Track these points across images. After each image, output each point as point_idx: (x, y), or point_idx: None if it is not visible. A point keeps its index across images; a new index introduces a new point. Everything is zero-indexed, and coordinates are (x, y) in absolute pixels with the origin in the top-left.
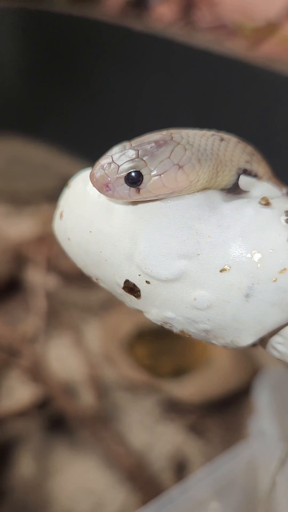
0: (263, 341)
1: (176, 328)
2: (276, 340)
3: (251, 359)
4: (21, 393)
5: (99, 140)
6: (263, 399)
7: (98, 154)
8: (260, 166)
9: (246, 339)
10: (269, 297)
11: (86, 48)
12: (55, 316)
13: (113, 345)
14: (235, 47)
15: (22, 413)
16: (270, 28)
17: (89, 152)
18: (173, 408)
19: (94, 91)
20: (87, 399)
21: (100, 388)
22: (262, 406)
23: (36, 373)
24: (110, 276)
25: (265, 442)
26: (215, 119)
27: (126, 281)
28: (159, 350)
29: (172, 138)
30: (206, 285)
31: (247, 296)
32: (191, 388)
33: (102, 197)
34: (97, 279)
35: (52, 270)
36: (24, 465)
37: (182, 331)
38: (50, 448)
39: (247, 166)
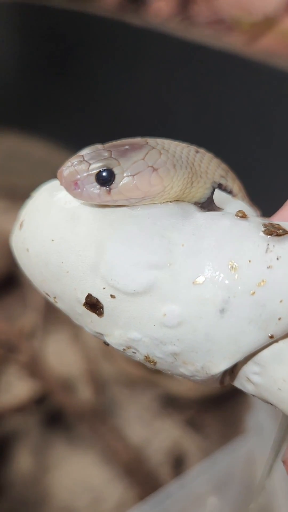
0: (233, 374)
1: (141, 353)
2: (251, 370)
3: None
4: (19, 388)
5: (97, 136)
6: None
7: None
8: (235, 183)
9: (219, 363)
10: (246, 312)
11: (84, 43)
12: (53, 312)
13: None
14: (233, 42)
15: (20, 409)
16: (268, 23)
17: None
18: (171, 403)
19: (92, 87)
20: (85, 394)
21: (98, 383)
22: (260, 401)
23: (34, 368)
24: (70, 291)
25: (262, 437)
26: (213, 114)
27: (89, 296)
28: None
29: (146, 142)
30: (178, 298)
31: (222, 311)
32: (189, 383)
33: (68, 205)
34: (55, 297)
35: None
36: (23, 460)
37: (146, 357)
38: (48, 443)
39: (222, 181)
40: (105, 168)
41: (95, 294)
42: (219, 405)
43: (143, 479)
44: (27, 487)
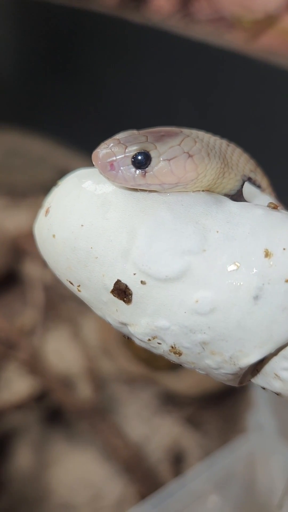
0: (256, 372)
1: (167, 343)
2: (280, 366)
3: None
4: (19, 385)
5: (96, 133)
6: (261, 392)
7: (95, 146)
8: (263, 179)
9: (250, 353)
10: (280, 299)
11: (84, 40)
12: (53, 309)
13: (111, 338)
14: (234, 40)
15: (20, 406)
16: (269, 21)
17: (86, 145)
18: (170, 401)
19: (92, 84)
20: (84, 391)
21: (98, 381)
22: (260, 399)
23: (34, 365)
24: (98, 278)
25: (263, 436)
26: (213, 112)
27: (117, 282)
28: None
29: (181, 131)
30: (211, 285)
31: (256, 298)
32: (188, 381)
33: (98, 191)
34: (79, 285)
35: None
36: (23, 457)
37: (173, 347)
38: (48, 440)
39: (252, 175)
40: (141, 151)
41: (124, 280)
42: (219, 402)
43: (142, 476)
44: (26, 483)
